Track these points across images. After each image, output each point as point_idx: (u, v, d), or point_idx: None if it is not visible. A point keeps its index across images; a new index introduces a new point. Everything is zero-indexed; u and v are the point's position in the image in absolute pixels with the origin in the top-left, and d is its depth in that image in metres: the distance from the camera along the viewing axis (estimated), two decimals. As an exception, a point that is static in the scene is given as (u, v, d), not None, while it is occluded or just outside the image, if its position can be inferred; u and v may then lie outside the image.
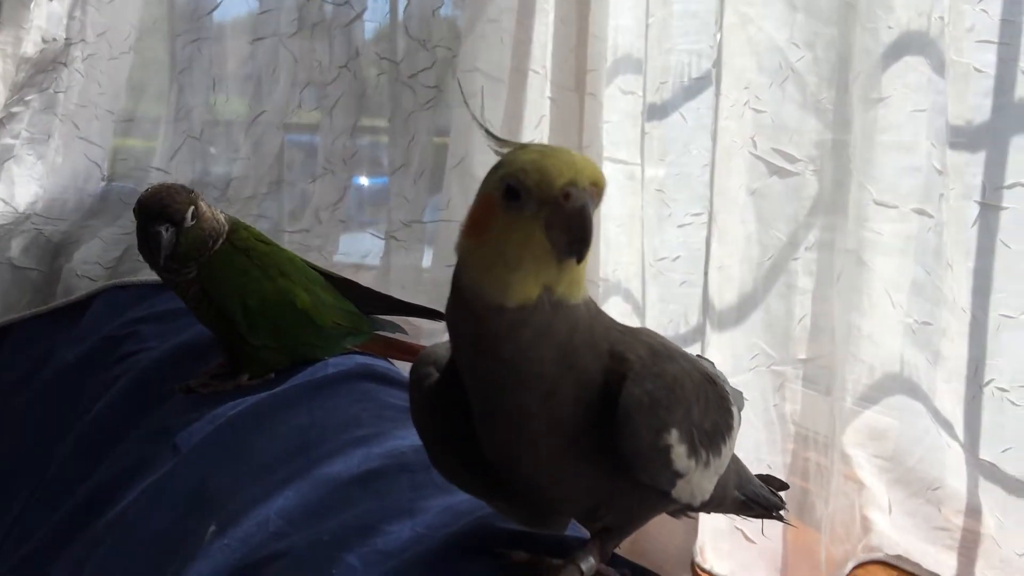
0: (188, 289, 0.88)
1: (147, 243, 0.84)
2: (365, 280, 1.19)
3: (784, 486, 0.67)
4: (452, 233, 1.15)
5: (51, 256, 1.25)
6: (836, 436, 0.93)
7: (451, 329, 0.49)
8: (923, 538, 0.88)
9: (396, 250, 1.29)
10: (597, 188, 0.46)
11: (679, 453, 0.50)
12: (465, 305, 0.47)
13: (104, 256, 1.21)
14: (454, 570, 0.56)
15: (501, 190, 0.46)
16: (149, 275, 1.14)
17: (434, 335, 1.16)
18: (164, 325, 1.05)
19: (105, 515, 0.80)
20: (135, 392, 0.94)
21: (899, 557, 0.87)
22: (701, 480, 0.53)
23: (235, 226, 0.89)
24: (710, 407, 0.53)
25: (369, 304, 0.99)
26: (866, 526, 0.89)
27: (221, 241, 0.87)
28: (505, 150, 0.49)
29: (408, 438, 0.74)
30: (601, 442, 0.49)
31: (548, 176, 0.45)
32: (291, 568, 0.60)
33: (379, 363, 0.95)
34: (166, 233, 0.83)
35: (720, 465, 0.55)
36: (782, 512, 0.66)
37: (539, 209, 0.45)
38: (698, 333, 1.03)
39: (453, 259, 1.16)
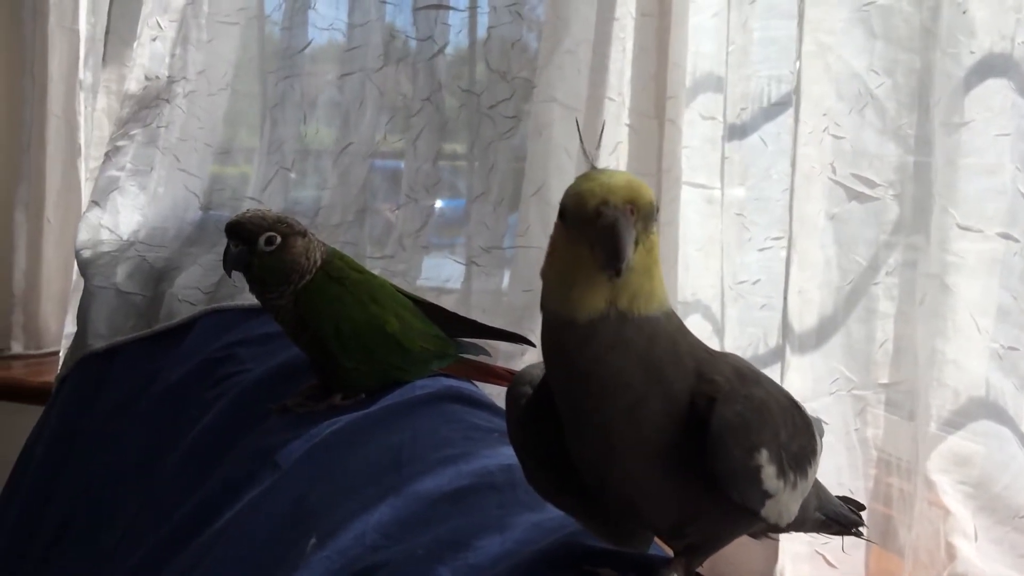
0: (284, 314, 0.93)
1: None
2: (447, 304, 1.22)
3: (861, 507, 0.68)
4: (529, 258, 1.19)
5: (154, 282, 1.32)
6: (920, 462, 0.92)
7: (543, 349, 0.52)
8: (1010, 565, 0.87)
9: (477, 275, 1.32)
10: (635, 205, 0.48)
11: (769, 473, 0.52)
12: (546, 323, 0.51)
13: (203, 281, 1.27)
14: (543, 585, 0.58)
15: (559, 214, 0.50)
16: (246, 299, 1.20)
17: (513, 357, 1.19)
18: (260, 348, 1.09)
19: (209, 528, 0.84)
20: (235, 412, 0.99)
21: (986, 585, 0.86)
22: (789, 501, 0.54)
23: (331, 255, 0.94)
24: (797, 431, 0.55)
25: (454, 327, 1.02)
26: (951, 553, 0.88)
27: (311, 275, 0.91)
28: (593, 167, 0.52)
29: (495, 458, 0.77)
30: (689, 460, 0.50)
31: (582, 198, 0.48)
32: (388, 580, 0.63)
33: (465, 386, 0.98)
34: (233, 249, 0.88)
35: (806, 488, 0.56)
36: (861, 529, 0.66)
37: (582, 230, 0.48)
38: (777, 356, 1.03)
39: (530, 283, 1.20)
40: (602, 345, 0.48)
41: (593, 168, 0.52)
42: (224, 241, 1.34)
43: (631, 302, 0.48)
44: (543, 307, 0.51)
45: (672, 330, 0.50)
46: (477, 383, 1.03)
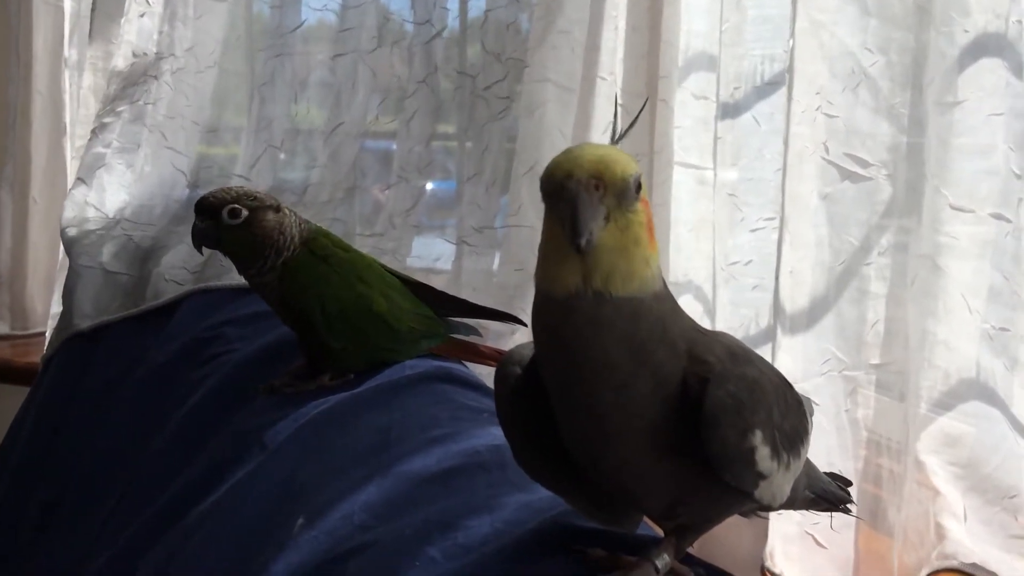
0: (270, 292, 0.92)
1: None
2: (437, 283, 1.22)
3: (848, 483, 0.67)
4: (521, 238, 1.19)
5: (140, 261, 1.30)
6: (910, 442, 0.93)
7: (532, 326, 0.52)
8: (999, 546, 0.87)
9: (468, 255, 1.32)
10: (602, 180, 0.46)
11: (763, 455, 0.51)
12: (535, 300, 0.50)
13: (190, 261, 1.26)
14: (532, 565, 0.57)
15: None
16: (233, 279, 1.19)
17: (502, 336, 1.18)
18: (248, 328, 1.08)
19: (197, 508, 0.84)
20: (223, 392, 0.98)
21: (974, 565, 0.86)
22: (782, 482, 0.54)
23: (315, 234, 0.92)
24: (790, 410, 0.54)
25: (443, 307, 1.01)
26: (940, 534, 0.89)
27: (291, 251, 0.89)
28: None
29: (484, 438, 0.76)
30: (682, 441, 0.50)
31: (550, 172, 0.47)
32: (376, 560, 0.63)
33: (454, 366, 0.98)
34: (200, 224, 0.87)
35: (798, 468, 0.56)
36: (849, 506, 0.66)
37: (552, 206, 0.48)
38: (769, 336, 1.03)
39: (521, 263, 1.19)
40: (579, 322, 0.47)
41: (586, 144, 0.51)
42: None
43: (605, 281, 0.47)
44: (535, 283, 0.50)
45: (661, 311, 0.49)
46: (467, 364, 1.03)
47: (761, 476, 0.52)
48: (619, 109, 0.54)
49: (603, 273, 0.47)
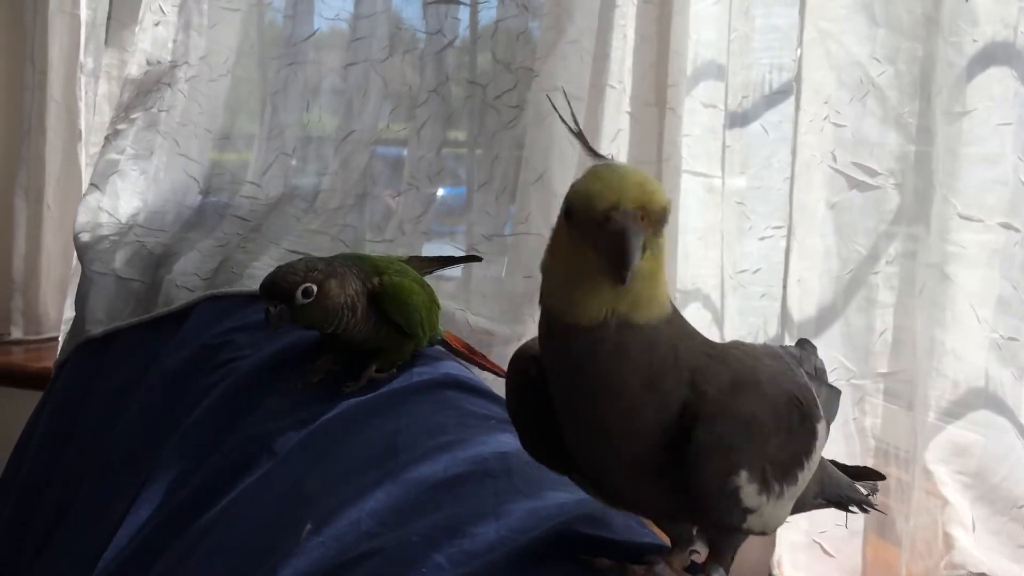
0: (355, 330, 0.92)
1: None
2: (446, 289, 1.23)
3: (881, 476, 0.67)
4: (530, 246, 1.19)
5: (152, 268, 1.31)
6: (918, 452, 0.92)
7: (540, 343, 0.52)
8: (1008, 556, 0.87)
9: (478, 263, 1.32)
10: (646, 211, 0.46)
11: (748, 492, 0.51)
12: (547, 322, 0.50)
13: (202, 268, 1.27)
14: (538, 572, 0.58)
15: (563, 211, 0.48)
16: (244, 286, 1.20)
17: (509, 343, 1.18)
18: (258, 334, 1.09)
19: (206, 514, 0.84)
20: (232, 398, 0.99)
21: (983, 575, 0.86)
22: (774, 511, 0.53)
23: (366, 266, 0.93)
24: (792, 435, 0.53)
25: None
26: (949, 543, 0.89)
27: (359, 300, 0.90)
28: (600, 163, 0.50)
29: (491, 445, 0.77)
30: (678, 467, 0.50)
31: (591, 200, 0.46)
32: (383, 566, 0.63)
33: (462, 373, 0.98)
34: (273, 310, 0.88)
35: (797, 491, 0.55)
36: (871, 498, 0.65)
37: (587, 232, 0.46)
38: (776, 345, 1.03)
39: (530, 270, 1.19)
40: (602, 352, 0.47)
41: (596, 156, 0.50)
42: (222, 226, 1.36)
43: (632, 309, 0.47)
44: (542, 302, 0.50)
45: (673, 335, 0.49)
46: (472, 368, 1.04)
47: (748, 511, 0.52)
48: (563, 116, 0.53)
49: (630, 301, 0.47)
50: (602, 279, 0.46)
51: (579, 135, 0.52)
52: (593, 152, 0.51)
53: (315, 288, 0.88)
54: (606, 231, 0.45)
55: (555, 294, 0.49)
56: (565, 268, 0.48)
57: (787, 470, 0.53)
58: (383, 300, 0.92)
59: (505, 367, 1.19)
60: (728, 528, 0.53)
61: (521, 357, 0.56)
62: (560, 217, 0.49)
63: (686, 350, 0.50)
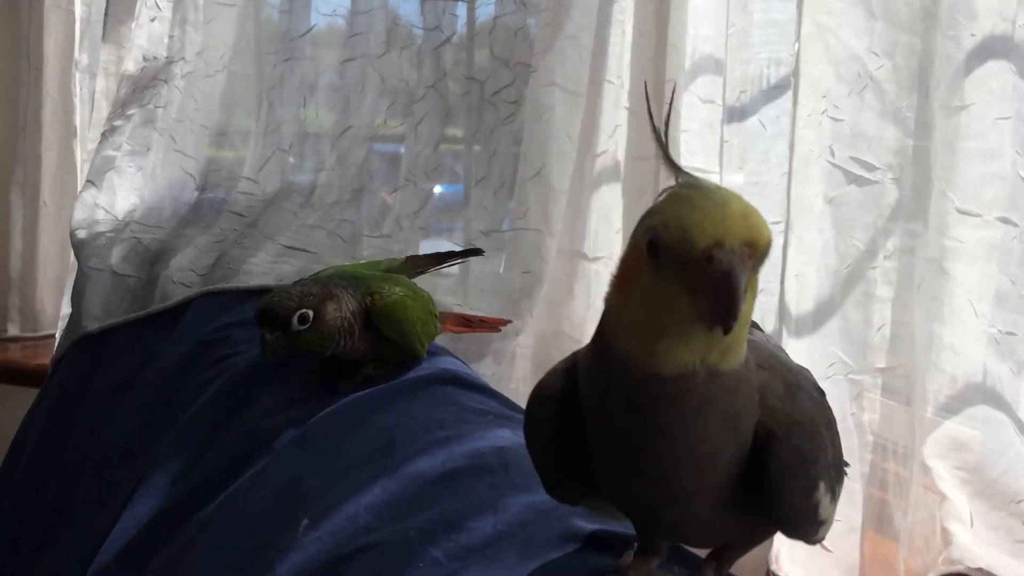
0: (352, 348, 0.91)
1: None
2: (444, 285, 1.22)
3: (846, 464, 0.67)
4: (528, 241, 1.19)
5: (149, 264, 1.31)
6: (916, 447, 0.92)
7: (596, 385, 0.47)
8: (1006, 551, 0.87)
9: (475, 258, 1.32)
10: (752, 248, 0.40)
11: (825, 504, 0.48)
12: (617, 368, 0.44)
13: (198, 263, 1.27)
14: (535, 566, 0.58)
15: (646, 243, 0.42)
16: (240, 282, 1.20)
17: (507, 337, 1.18)
18: (254, 330, 1.09)
19: (203, 510, 0.84)
20: (229, 394, 0.99)
21: (981, 570, 0.86)
22: (833, 518, 0.51)
23: (361, 283, 0.92)
24: (835, 438, 0.51)
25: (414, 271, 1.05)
26: (947, 539, 0.89)
27: (359, 324, 0.90)
28: (683, 179, 0.44)
29: (488, 440, 0.77)
30: (747, 490, 0.46)
31: (689, 235, 0.40)
32: (379, 561, 0.63)
33: (459, 368, 0.98)
34: (269, 337, 0.87)
35: (841, 490, 0.52)
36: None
37: (680, 271, 0.40)
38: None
39: (528, 265, 1.19)
40: (689, 404, 0.43)
41: (677, 171, 0.44)
42: (218, 222, 1.36)
43: (723, 356, 0.42)
44: (610, 346, 0.44)
45: (749, 374, 0.45)
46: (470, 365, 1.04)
47: (822, 524, 0.50)
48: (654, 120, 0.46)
49: (723, 348, 0.42)
50: (694, 325, 0.41)
51: (662, 145, 0.46)
52: (675, 166, 0.45)
53: (311, 314, 0.87)
54: (707, 273, 0.39)
55: (632, 338, 0.43)
56: (647, 310, 0.42)
57: (839, 471, 0.51)
58: (378, 319, 0.91)
59: (502, 366, 1.19)
60: (807, 541, 0.51)
61: (545, 398, 0.50)
62: (637, 248, 0.43)
63: (754, 375, 0.46)
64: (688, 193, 0.41)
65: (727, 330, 0.39)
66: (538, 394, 0.51)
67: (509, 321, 1.15)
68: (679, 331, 0.41)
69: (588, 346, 0.47)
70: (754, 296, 0.42)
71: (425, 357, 0.97)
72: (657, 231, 0.41)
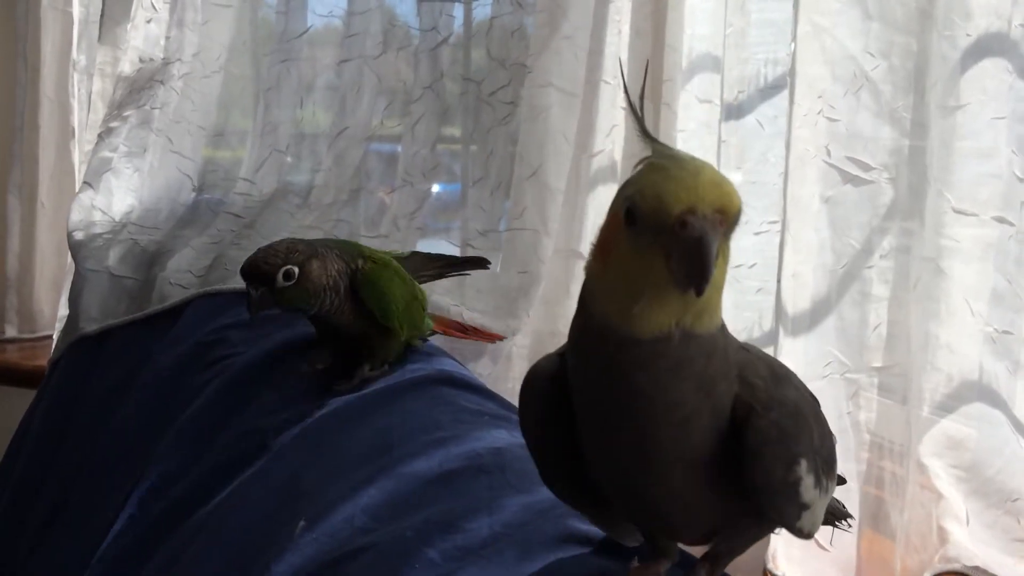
0: (335, 314, 0.91)
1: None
2: (441, 284, 1.22)
3: (842, 480, 0.67)
4: (524, 241, 1.19)
5: (146, 265, 1.31)
6: (912, 445, 0.93)
7: (579, 353, 0.48)
8: (1002, 550, 0.87)
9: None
10: (724, 215, 0.41)
11: (807, 485, 0.48)
12: (596, 333, 0.45)
13: (195, 265, 1.27)
14: (531, 567, 0.58)
15: (623, 212, 0.43)
16: (238, 283, 1.19)
17: (503, 343, 1.18)
18: (252, 331, 1.09)
19: (200, 510, 0.84)
20: (227, 395, 0.99)
21: (977, 569, 0.86)
22: (820, 509, 0.51)
23: (352, 251, 0.93)
24: (824, 431, 0.51)
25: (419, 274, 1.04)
26: (943, 537, 0.89)
27: (344, 282, 0.90)
28: (657, 150, 0.45)
29: (484, 440, 0.77)
30: (728, 470, 0.47)
31: (663, 202, 0.41)
32: (376, 562, 0.63)
33: (456, 369, 0.98)
34: (254, 292, 0.87)
35: (832, 490, 0.53)
36: (849, 521, 0.64)
37: (656, 237, 0.42)
38: (771, 339, 1.03)
39: (524, 265, 1.19)
40: (662, 365, 0.44)
41: (653, 142, 0.45)
42: (215, 223, 1.36)
43: (696, 319, 0.44)
44: (591, 313, 0.46)
45: (725, 342, 0.46)
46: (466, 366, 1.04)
47: (804, 507, 0.49)
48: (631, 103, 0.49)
49: (697, 311, 0.43)
50: (670, 289, 0.42)
51: (638, 118, 0.47)
52: (649, 137, 0.46)
53: (297, 270, 0.87)
54: (681, 238, 0.41)
55: (610, 303, 0.44)
56: (624, 275, 0.44)
57: (829, 464, 0.51)
58: (360, 285, 0.91)
59: (499, 366, 1.19)
60: (788, 526, 0.50)
61: (538, 377, 0.52)
62: (615, 217, 0.44)
63: (732, 349, 0.47)
64: (663, 163, 0.43)
65: (699, 292, 0.41)
66: (531, 375, 0.53)
67: (503, 337, 1.15)
68: (655, 294, 0.43)
69: (572, 319, 0.49)
70: (726, 262, 0.44)
71: (406, 340, 0.96)
72: (634, 199, 0.43)
